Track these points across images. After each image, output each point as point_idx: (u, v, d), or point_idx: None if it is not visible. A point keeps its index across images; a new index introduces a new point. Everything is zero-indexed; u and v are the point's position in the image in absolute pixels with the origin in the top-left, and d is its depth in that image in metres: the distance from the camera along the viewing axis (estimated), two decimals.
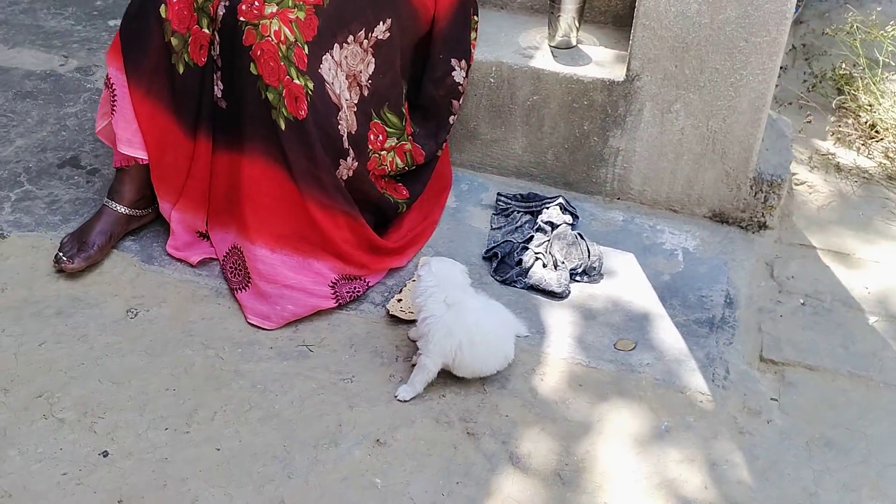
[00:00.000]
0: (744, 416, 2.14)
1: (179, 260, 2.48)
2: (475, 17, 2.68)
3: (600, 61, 2.63)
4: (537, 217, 2.61)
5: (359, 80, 2.42)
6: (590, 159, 2.69)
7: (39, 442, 1.99)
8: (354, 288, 2.38)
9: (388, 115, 2.52)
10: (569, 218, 2.60)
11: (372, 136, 2.49)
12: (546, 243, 2.53)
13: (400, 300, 2.37)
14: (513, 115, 2.70)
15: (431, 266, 2.19)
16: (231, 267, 2.39)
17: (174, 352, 2.23)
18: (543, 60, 2.63)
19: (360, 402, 2.14)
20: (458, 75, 2.63)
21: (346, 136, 2.38)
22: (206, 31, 2.32)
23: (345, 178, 2.40)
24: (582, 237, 2.54)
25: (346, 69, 2.38)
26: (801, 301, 2.45)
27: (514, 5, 2.87)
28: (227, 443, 2.02)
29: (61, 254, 2.40)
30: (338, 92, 2.35)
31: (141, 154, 2.41)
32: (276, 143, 2.29)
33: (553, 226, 2.57)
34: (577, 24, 2.66)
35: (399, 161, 2.57)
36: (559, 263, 2.47)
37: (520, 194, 2.69)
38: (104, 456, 1.98)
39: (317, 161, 2.30)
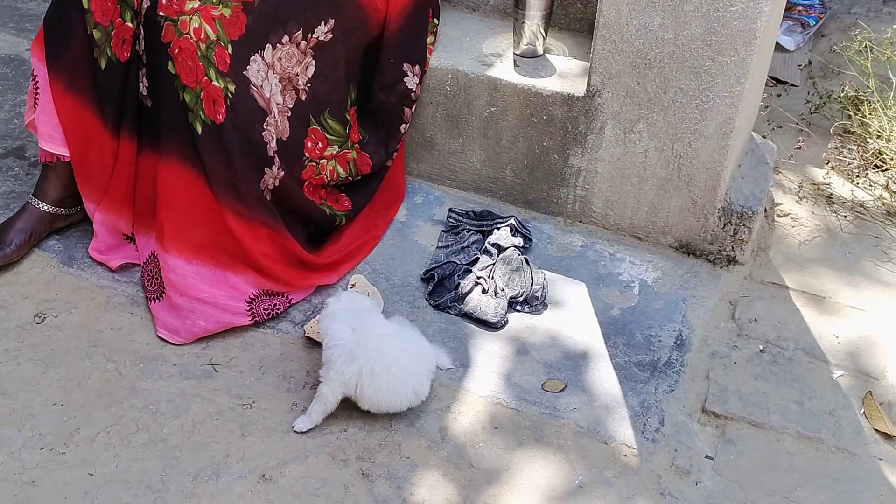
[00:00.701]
0: (670, 474, 1.94)
1: (100, 263, 2.36)
2: (434, 21, 2.51)
3: (564, 73, 2.43)
4: (486, 237, 2.43)
5: (295, 83, 2.27)
6: (550, 178, 2.50)
7: None
8: (274, 305, 2.24)
9: (329, 121, 2.37)
10: (519, 240, 2.41)
11: (309, 144, 2.33)
12: (490, 267, 2.35)
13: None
14: (470, 126, 2.51)
15: (341, 294, 2.05)
16: (148, 275, 2.26)
17: (72, 363, 2.11)
18: (502, 69, 2.44)
19: (255, 430, 1.99)
20: (411, 81, 2.46)
21: (273, 142, 2.23)
22: (130, 24, 2.18)
23: (271, 187, 2.25)
24: (528, 262, 2.35)
25: (280, 71, 2.23)
26: (761, 347, 2.23)
27: (486, 8, 2.68)
28: (102, 467, 1.90)
29: None
30: (267, 96, 2.20)
31: (62, 151, 2.30)
32: (193, 147, 2.15)
33: (500, 248, 2.38)
34: (544, 32, 2.46)
35: (341, 170, 2.41)
36: (499, 290, 2.29)
37: (473, 211, 2.50)
38: None
39: (235, 169, 2.16)
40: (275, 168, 2.24)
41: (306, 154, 2.33)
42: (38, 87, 2.27)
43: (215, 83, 2.12)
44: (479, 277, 2.32)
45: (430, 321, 2.25)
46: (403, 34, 2.44)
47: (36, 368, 2.10)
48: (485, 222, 2.48)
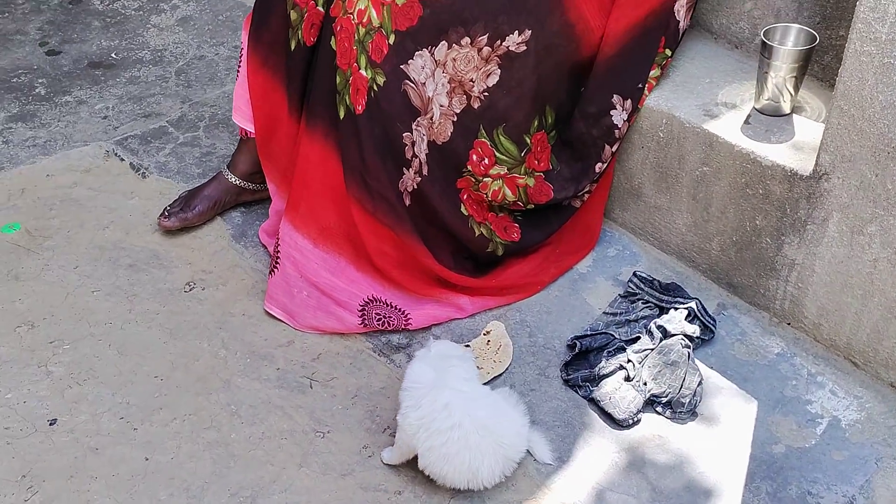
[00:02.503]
0: None
1: (264, 246, 2.33)
2: (666, 52, 2.14)
3: (802, 143, 1.96)
4: (660, 316, 2.06)
5: (467, 88, 2.05)
6: (759, 264, 2.05)
7: (12, 387, 1.99)
8: (388, 317, 2.07)
9: (502, 138, 2.11)
10: (695, 329, 2.01)
11: (474, 157, 2.10)
12: (646, 352, 1.98)
13: None
14: (679, 182, 2.13)
15: (432, 342, 1.83)
16: (274, 249, 2.19)
17: (193, 340, 2.10)
18: (725, 125, 2.03)
19: (314, 463, 1.85)
20: (618, 116, 2.13)
21: (422, 144, 2.05)
22: (321, 9, 2.09)
23: (410, 189, 2.07)
24: (690, 358, 1.95)
25: (452, 72, 2.02)
26: None
27: (751, 46, 2.24)
28: (159, 455, 1.86)
29: (167, 209, 2.38)
30: (429, 94, 2.02)
31: (250, 126, 2.29)
32: (335, 130, 2.04)
33: (665, 333, 2.00)
34: (793, 88, 2.00)
35: (509, 193, 2.15)
36: (644, 384, 1.92)
37: (659, 282, 2.13)
38: (50, 424, 1.92)
39: (365, 162, 2.02)
40: (412, 171, 2.05)
41: (469, 167, 2.11)
42: (240, 61, 2.28)
43: (363, 72, 1.98)
44: (628, 361, 1.97)
45: (551, 396, 1.95)
46: (620, 61, 2.11)
47: (161, 336, 2.12)
48: (667, 297, 2.09)
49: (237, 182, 2.39)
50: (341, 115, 2.03)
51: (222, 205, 2.41)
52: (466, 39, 2.02)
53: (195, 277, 2.27)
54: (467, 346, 2.05)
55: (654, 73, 2.14)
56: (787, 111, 2.04)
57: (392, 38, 1.99)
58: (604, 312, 2.12)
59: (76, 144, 2.70)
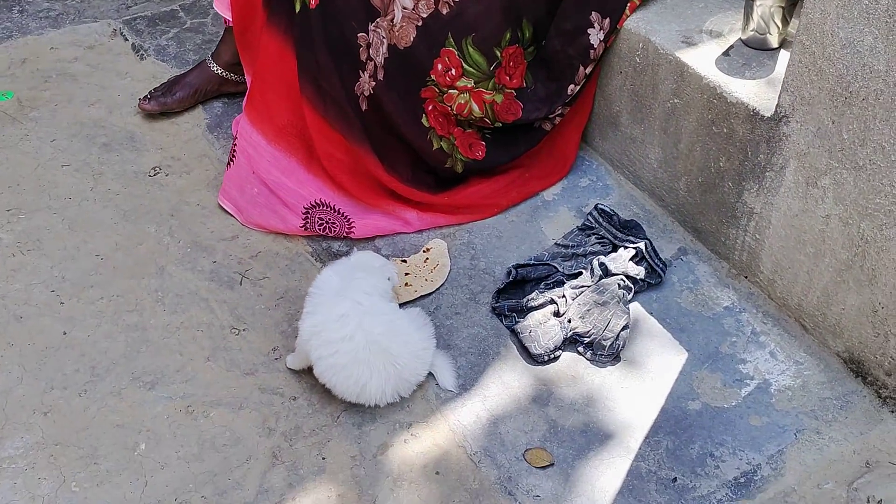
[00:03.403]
0: None
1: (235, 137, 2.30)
2: None
3: (775, 81, 1.79)
4: (609, 253, 1.94)
5: None
6: (722, 210, 1.90)
7: None
8: (331, 221, 2.03)
9: (471, 48, 2.00)
10: (639, 271, 1.89)
11: (440, 66, 2.00)
12: (582, 289, 1.88)
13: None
14: (653, 113, 1.98)
15: (356, 252, 1.80)
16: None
17: (143, 224, 2.11)
18: (700, 54, 1.87)
19: (221, 359, 1.84)
20: (595, 36, 1.99)
21: (381, 47, 1.96)
22: None
23: (366, 93, 1.99)
24: (622, 302, 1.84)
25: None
26: None
27: None
28: (77, 332, 1.88)
29: (150, 92, 2.37)
30: None
31: (226, 14, 2.24)
32: (289, 23, 1.98)
33: (606, 272, 1.89)
34: (780, 20, 1.82)
35: (476, 108, 2.04)
36: (569, 321, 1.83)
37: (618, 217, 2.00)
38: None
39: (318, 61, 1.95)
40: (366, 75, 1.97)
41: (432, 76, 2.01)
42: None
43: None
44: (562, 296, 1.87)
45: (475, 323, 1.87)
46: None
47: (114, 217, 2.13)
48: (621, 234, 1.97)
49: (219, 72, 2.36)
50: (297, 7, 1.96)
51: (204, 93, 2.38)
52: None
53: (163, 163, 2.27)
54: (404, 261, 1.99)
55: None
56: (775, 45, 1.86)
57: None
58: (555, 243, 2.01)
59: (86, 20, 2.71)
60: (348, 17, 1.93)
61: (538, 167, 2.16)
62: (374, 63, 1.98)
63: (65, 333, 1.88)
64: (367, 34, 1.95)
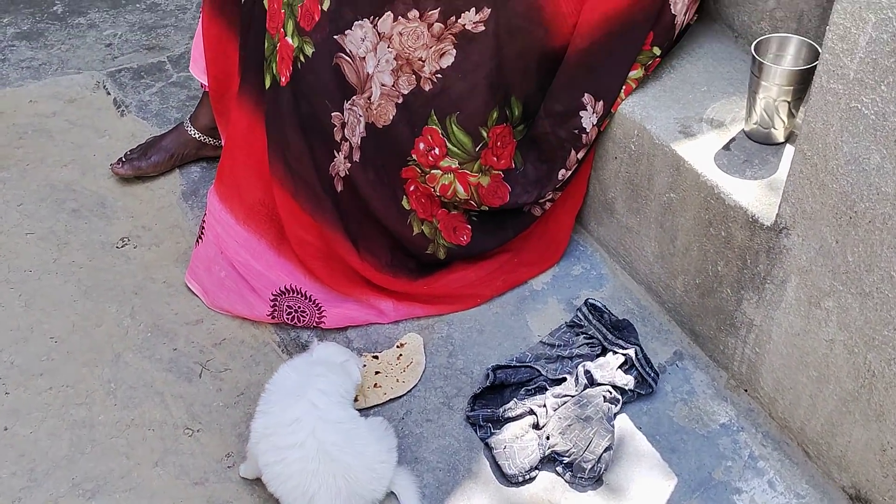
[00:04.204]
0: None
1: None
2: (653, 50, 1.82)
3: (777, 184, 1.62)
4: (596, 357, 1.79)
5: (416, 68, 1.79)
6: (720, 316, 1.74)
7: None
8: (300, 310, 1.89)
9: (455, 128, 1.85)
10: (628, 381, 1.73)
11: (422, 145, 1.86)
12: (565, 399, 1.72)
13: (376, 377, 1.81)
14: (649, 204, 1.83)
15: (316, 345, 1.66)
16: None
17: (104, 302, 1.99)
18: (696, 147, 1.71)
19: (170, 465, 1.70)
20: (588, 119, 1.83)
21: (358, 127, 1.82)
22: None
23: (342, 174, 1.85)
24: (607, 419, 1.68)
25: (399, 48, 1.77)
26: None
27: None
28: (19, 427, 1.75)
29: (125, 155, 2.25)
30: (368, 71, 1.78)
31: (202, 78, 2.12)
32: (260, 97, 1.85)
33: (592, 381, 1.73)
34: (785, 115, 1.65)
35: (461, 190, 1.90)
36: (547, 437, 1.67)
37: (610, 314, 1.85)
38: None
39: (287, 140, 1.82)
40: (342, 155, 1.83)
41: (413, 155, 1.87)
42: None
43: (289, 39, 1.76)
44: (542, 405, 1.72)
45: (447, 432, 1.72)
46: (594, 56, 1.80)
47: (74, 293, 2.00)
48: (612, 335, 1.81)
49: (197, 136, 2.24)
50: (267, 84, 1.83)
51: (181, 157, 2.26)
52: (415, 13, 1.76)
53: (132, 233, 2.15)
54: (376, 356, 1.84)
55: (636, 73, 1.82)
56: (781, 139, 1.70)
57: (327, 4, 1.76)
58: (541, 341, 1.86)
59: (69, 71, 2.60)
60: (321, 95, 1.79)
61: (528, 252, 2.01)
62: (350, 143, 1.84)
63: (6, 429, 1.76)
64: (342, 113, 1.81)
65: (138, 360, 1.88)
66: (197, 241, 2.00)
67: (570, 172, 1.90)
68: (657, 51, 1.82)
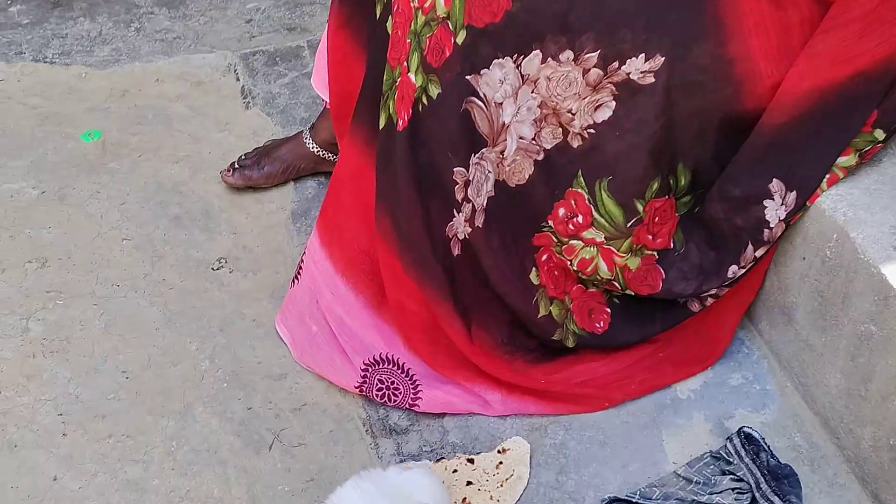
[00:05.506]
0: None
1: None
2: (875, 133, 1.40)
3: None
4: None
5: (563, 120, 1.45)
6: None
7: None
8: (393, 385, 1.61)
9: (605, 196, 1.49)
10: None
11: (561, 210, 1.52)
12: None
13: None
14: (839, 327, 1.42)
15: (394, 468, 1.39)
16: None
17: (185, 335, 1.76)
18: None
19: None
20: (773, 211, 1.44)
21: (471, 184, 1.50)
22: None
23: (460, 237, 1.54)
24: None
25: (545, 94, 1.43)
26: None
27: None
28: (69, 480, 1.56)
29: (238, 160, 2.02)
30: (504, 120, 1.45)
31: (323, 94, 1.84)
32: (372, 136, 1.56)
33: None
34: None
35: (604, 268, 1.55)
36: None
37: (770, 454, 1.47)
38: None
39: (398, 191, 1.51)
40: (462, 216, 1.52)
41: (549, 222, 1.53)
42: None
43: (411, 76, 1.45)
44: None
45: None
46: (793, 133, 1.40)
47: (157, 320, 1.79)
48: (767, 484, 1.44)
49: (315, 150, 1.98)
50: (381, 123, 1.52)
51: (297, 170, 2.01)
52: (569, 54, 1.41)
53: (231, 253, 1.92)
54: (470, 460, 1.54)
55: (846, 160, 1.41)
56: None
57: (462, 36, 1.43)
58: (675, 472, 1.50)
59: (202, 49, 2.39)
60: (444, 145, 1.47)
61: (676, 347, 1.65)
62: (474, 204, 1.52)
63: (55, 479, 1.57)
64: (468, 168, 1.49)
65: (208, 415, 1.65)
66: (293, 279, 1.74)
67: (743, 271, 1.51)
68: (880, 134, 1.39)
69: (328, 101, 1.82)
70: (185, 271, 1.88)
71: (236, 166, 2.00)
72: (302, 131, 1.99)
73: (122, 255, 1.91)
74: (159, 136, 2.16)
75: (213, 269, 1.89)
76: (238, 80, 2.28)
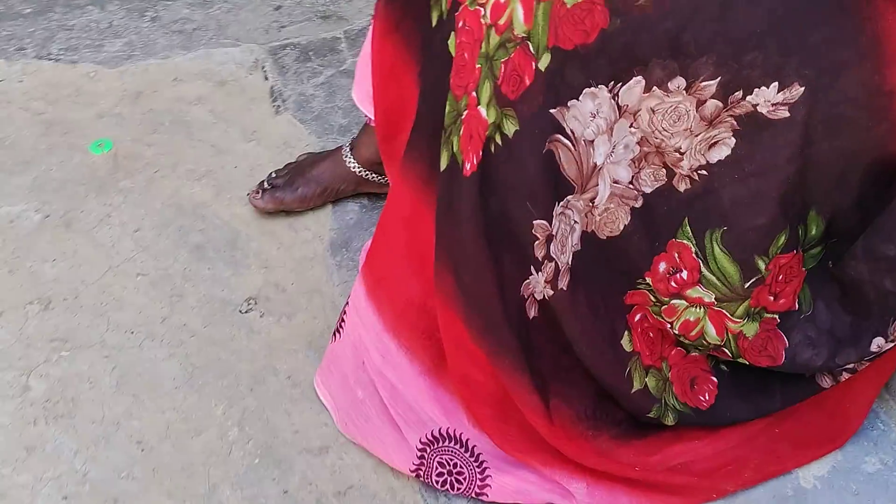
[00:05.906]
0: None
1: None
2: None
3: None
4: None
5: (669, 161, 1.17)
6: None
7: None
8: (456, 468, 1.34)
9: (718, 249, 1.21)
10: None
11: (662, 265, 1.24)
12: None
13: None
14: None
15: None
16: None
17: (210, 397, 1.52)
18: None
19: None
20: None
21: (554, 240, 1.22)
22: None
23: (538, 297, 1.26)
24: None
25: (647, 129, 1.15)
26: None
27: None
28: None
29: (267, 179, 1.75)
30: (594, 162, 1.17)
31: (367, 110, 1.56)
32: (432, 176, 1.28)
33: None
34: None
35: (712, 332, 1.27)
36: None
37: None
38: None
39: (464, 245, 1.23)
40: (542, 276, 1.23)
41: (647, 279, 1.25)
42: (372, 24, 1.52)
43: (482, 110, 1.16)
44: None
45: None
46: None
47: (177, 376, 1.54)
48: None
49: (357, 169, 1.70)
50: (443, 163, 1.24)
51: (335, 193, 1.74)
52: (679, 82, 1.11)
53: (262, 292, 1.66)
54: None
55: None
56: None
57: (545, 60, 1.14)
58: None
59: (225, 42, 2.11)
60: (521, 194, 1.19)
61: (797, 423, 1.37)
62: (557, 263, 1.24)
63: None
64: (550, 221, 1.21)
65: (237, 500, 1.40)
66: (335, 332, 1.47)
67: (891, 344, 1.22)
68: None
69: (372, 117, 1.55)
70: (208, 315, 1.63)
71: (266, 187, 1.73)
72: (342, 147, 1.72)
73: (137, 295, 1.66)
74: (177, 147, 1.90)
75: (241, 311, 1.63)
76: (266, 79, 2.01)
